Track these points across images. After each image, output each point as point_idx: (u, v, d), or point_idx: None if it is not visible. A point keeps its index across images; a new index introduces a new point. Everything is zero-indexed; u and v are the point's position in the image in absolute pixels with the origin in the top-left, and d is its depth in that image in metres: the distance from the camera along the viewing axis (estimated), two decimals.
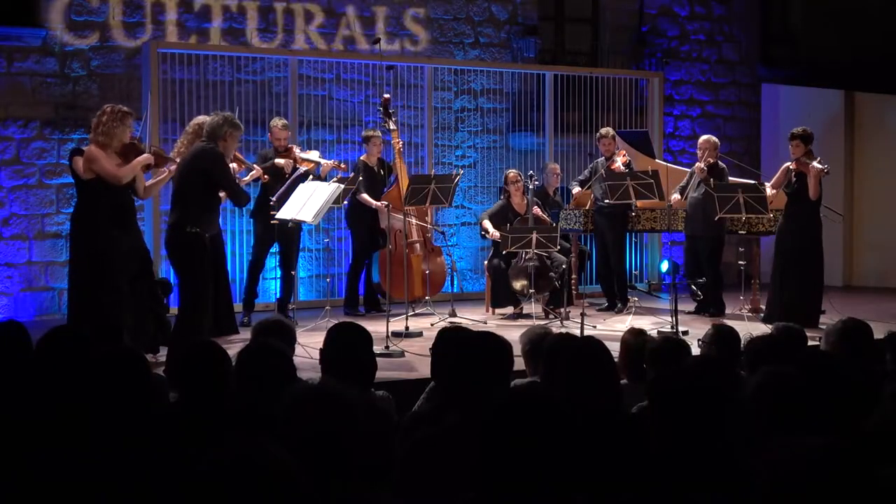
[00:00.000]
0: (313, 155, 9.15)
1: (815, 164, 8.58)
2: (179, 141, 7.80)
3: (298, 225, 8.14)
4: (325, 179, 9.03)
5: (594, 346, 3.57)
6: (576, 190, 10.05)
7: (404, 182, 9.52)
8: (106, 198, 6.83)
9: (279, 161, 8.71)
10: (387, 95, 9.52)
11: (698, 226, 9.26)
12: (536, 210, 9.49)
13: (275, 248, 9.05)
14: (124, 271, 6.86)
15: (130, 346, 4.14)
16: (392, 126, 9.38)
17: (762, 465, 2.08)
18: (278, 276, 9.35)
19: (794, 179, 8.72)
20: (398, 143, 9.47)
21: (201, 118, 7.60)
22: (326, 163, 9.05)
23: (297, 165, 8.76)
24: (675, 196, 9.36)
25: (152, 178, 7.18)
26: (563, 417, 2.32)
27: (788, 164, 8.82)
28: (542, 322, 8.65)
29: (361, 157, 9.47)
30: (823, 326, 7.41)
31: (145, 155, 6.92)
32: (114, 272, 6.80)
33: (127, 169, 6.82)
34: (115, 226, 6.82)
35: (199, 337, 5.79)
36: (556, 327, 8.00)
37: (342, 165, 9.25)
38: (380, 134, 9.48)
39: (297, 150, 8.96)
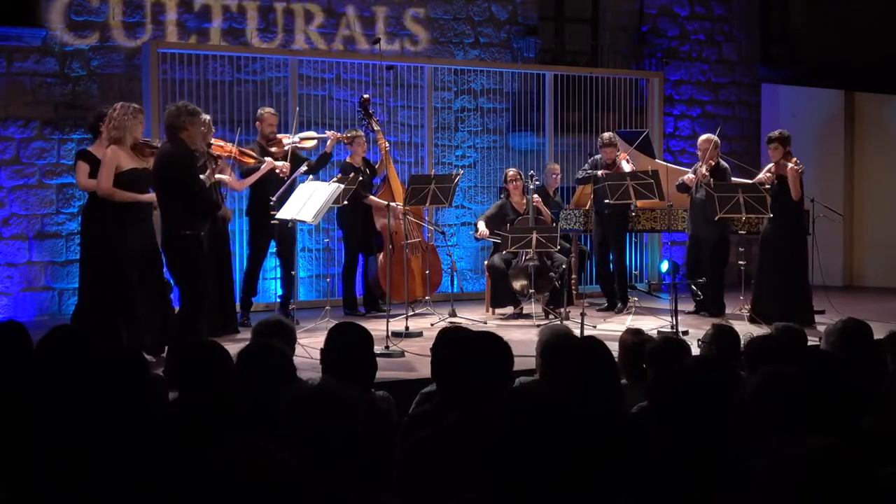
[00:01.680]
0: (310, 133, 9.13)
1: (790, 165, 8.64)
2: None
3: (294, 224, 8.13)
4: (331, 156, 9.03)
5: (594, 346, 3.57)
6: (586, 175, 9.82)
7: (394, 181, 9.50)
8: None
9: (278, 164, 8.58)
10: (366, 96, 9.51)
11: (701, 226, 9.25)
12: (537, 199, 9.46)
13: (273, 248, 9.04)
14: (132, 270, 6.85)
15: (130, 346, 4.14)
16: (375, 126, 9.37)
17: (762, 465, 2.08)
18: (279, 275, 9.34)
19: (775, 181, 8.75)
20: (384, 143, 9.44)
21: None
22: (331, 134, 9.02)
23: (299, 146, 8.72)
24: (690, 175, 9.30)
25: None
26: (566, 417, 2.33)
27: (771, 164, 8.87)
28: (543, 322, 8.67)
29: (346, 159, 9.39)
30: (822, 326, 7.41)
31: (151, 196, 6.92)
32: (120, 270, 6.80)
33: (120, 194, 6.80)
34: (124, 224, 6.83)
35: (197, 338, 5.78)
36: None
37: (345, 137, 9.26)
38: (363, 134, 9.44)
39: (288, 138, 8.79)
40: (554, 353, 3.96)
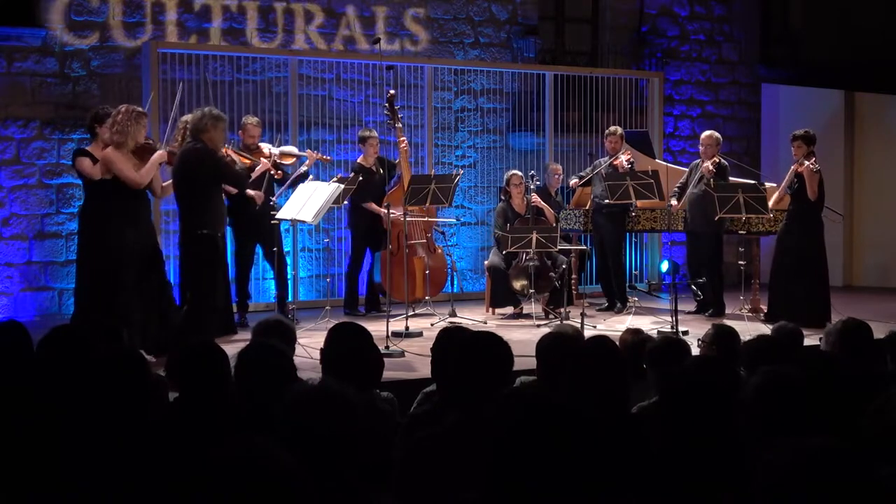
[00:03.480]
0: (291, 149, 9.02)
1: (807, 164, 8.63)
2: (175, 139, 7.76)
3: (277, 224, 8.11)
4: (307, 175, 8.96)
5: (603, 346, 3.55)
6: (573, 181, 9.98)
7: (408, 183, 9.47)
8: (116, 197, 6.85)
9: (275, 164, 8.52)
10: (392, 91, 9.43)
11: (698, 222, 9.25)
12: (536, 198, 9.45)
13: (260, 250, 8.98)
14: (130, 269, 6.85)
15: (130, 347, 4.14)
16: (398, 125, 9.32)
17: (762, 465, 2.08)
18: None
19: (795, 181, 8.77)
20: (404, 142, 9.39)
21: (188, 116, 7.47)
22: (311, 154, 8.88)
23: (279, 162, 8.63)
24: (674, 202, 9.37)
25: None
26: (571, 418, 2.32)
27: (794, 166, 8.88)
28: (543, 322, 8.68)
29: (358, 160, 9.37)
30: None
31: (160, 153, 6.93)
32: (119, 270, 6.80)
33: (146, 171, 6.83)
34: (123, 224, 6.83)
35: (202, 338, 5.78)
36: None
37: (326, 158, 9.18)
38: (376, 134, 9.42)
39: (270, 149, 8.63)
40: (549, 353, 3.95)
